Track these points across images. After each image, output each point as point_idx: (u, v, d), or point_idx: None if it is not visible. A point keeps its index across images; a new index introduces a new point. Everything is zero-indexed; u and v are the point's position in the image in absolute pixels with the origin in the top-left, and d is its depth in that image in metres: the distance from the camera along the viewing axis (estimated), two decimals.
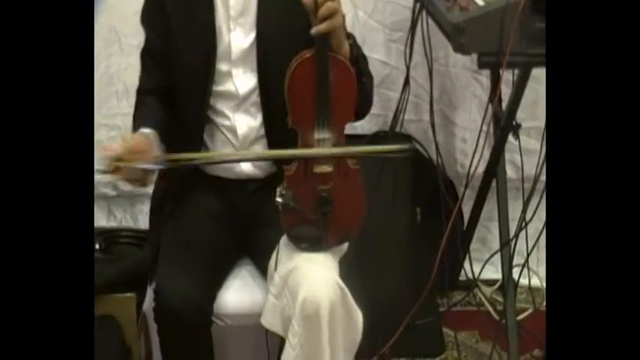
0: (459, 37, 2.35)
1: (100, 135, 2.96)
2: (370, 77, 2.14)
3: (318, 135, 1.94)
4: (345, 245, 2.10)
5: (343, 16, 1.94)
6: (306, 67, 1.91)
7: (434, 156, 2.95)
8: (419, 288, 2.65)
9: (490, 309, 2.97)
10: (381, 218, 2.69)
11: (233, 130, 2.15)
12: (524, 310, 3.00)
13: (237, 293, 2.13)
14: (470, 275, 2.94)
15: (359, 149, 2.02)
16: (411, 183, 2.90)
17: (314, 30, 1.84)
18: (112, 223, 3.17)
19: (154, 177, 2.03)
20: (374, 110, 2.88)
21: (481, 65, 2.42)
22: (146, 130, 2.02)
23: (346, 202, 2.00)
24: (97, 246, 2.97)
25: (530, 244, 2.84)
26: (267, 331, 1.99)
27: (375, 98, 2.85)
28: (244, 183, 2.20)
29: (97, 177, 2.77)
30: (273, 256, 2.03)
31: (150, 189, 2.29)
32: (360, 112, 2.11)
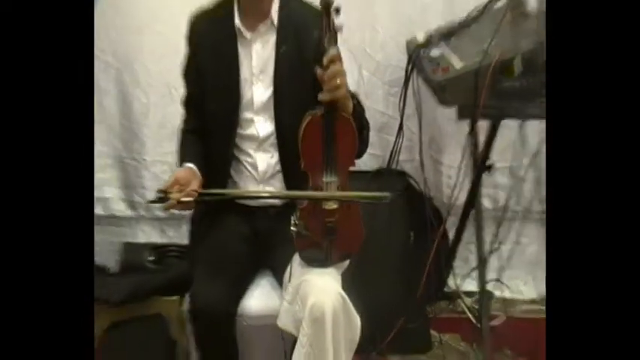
0: (442, 93, 2.40)
1: (155, 169, 3.02)
2: (368, 129, 2.14)
3: (325, 179, 1.93)
4: (347, 262, 2.09)
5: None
6: (316, 124, 1.91)
7: (424, 189, 2.95)
8: (411, 297, 2.68)
9: (470, 316, 2.94)
10: (379, 240, 2.68)
11: (255, 166, 2.18)
12: (497, 317, 2.98)
13: (258, 299, 2.12)
14: (454, 287, 2.96)
15: (349, 194, 1.96)
16: (405, 211, 2.89)
17: (320, 97, 1.85)
18: (164, 240, 3.17)
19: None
20: (375, 151, 2.96)
21: (460, 116, 2.45)
22: (190, 165, 2.06)
23: (348, 230, 2.00)
24: (150, 258, 2.99)
25: (503, 263, 2.86)
26: (282, 330, 1.97)
27: (376, 141, 2.93)
28: (266, 209, 2.21)
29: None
30: (287, 270, 2.03)
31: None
32: (359, 155, 2.10)
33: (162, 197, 1.90)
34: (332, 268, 2.00)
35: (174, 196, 1.89)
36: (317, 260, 1.98)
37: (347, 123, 1.93)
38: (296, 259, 2.01)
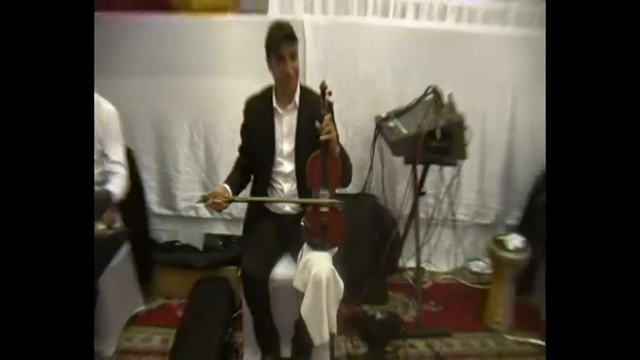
0: (395, 148, 2.39)
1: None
2: (350, 166, 2.13)
3: (322, 192, 1.96)
4: (336, 248, 2.06)
5: (337, 135, 1.97)
6: (317, 159, 1.93)
7: (385, 205, 2.91)
8: (376, 271, 2.65)
9: (411, 282, 2.89)
10: (358, 236, 2.62)
11: (282, 190, 2.15)
12: (427, 282, 2.94)
13: (282, 269, 2.09)
14: (402, 265, 2.93)
15: (327, 201, 1.98)
16: (374, 219, 2.82)
17: (320, 138, 1.88)
18: (229, 232, 3.09)
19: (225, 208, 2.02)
20: (356, 182, 2.90)
21: (406, 162, 2.44)
22: (225, 185, 2.05)
23: (335, 226, 1.99)
24: (220, 242, 2.97)
25: (431, 251, 2.82)
26: (296, 289, 1.96)
27: (357, 176, 2.87)
28: (287, 216, 2.18)
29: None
30: (300, 252, 2.02)
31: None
32: (345, 184, 2.10)
33: (204, 200, 1.94)
34: (326, 252, 1.99)
35: (211, 200, 1.93)
36: (317, 246, 1.97)
37: (335, 160, 1.95)
38: (305, 245, 2.00)
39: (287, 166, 2.13)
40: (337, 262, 2.00)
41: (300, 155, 2.09)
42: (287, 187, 2.15)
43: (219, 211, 1.99)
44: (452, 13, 2.96)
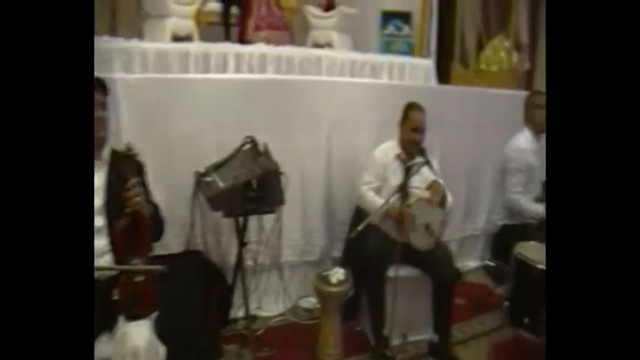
0: (212, 203, 2.31)
1: None
2: (161, 222, 2.02)
3: (134, 262, 1.78)
4: (155, 313, 1.83)
5: (148, 196, 1.85)
6: (124, 229, 1.78)
7: (211, 259, 2.68)
8: (207, 325, 2.37)
9: (244, 331, 2.70)
10: (183, 295, 2.25)
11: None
12: (260, 329, 2.81)
13: (99, 348, 1.74)
14: (233, 315, 2.77)
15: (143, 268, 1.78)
16: (199, 273, 2.45)
17: (126, 211, 1.76)
18: None
19: None
20: (180, 240, 2.65)
21: (225, 215, 2.36)
22: None
23: (150, 294, 1.79)
24: None
25: (261, 297, 2.74)
26: None
27: (180, 234, 2.64)
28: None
29: None
30: (115, 326, 1.78)
31: None
32: (156, 240, 1.98)
33: None
34: (143, 320, 1.78)
35: None
36: (133, 317, 1.76)
37: (143, 226, 1.80)
38: (120, 318, 1.78)
39: (98, 221, 1.90)
40: (163, 325, 1.80)
41: (110, 210, 1.90)
42: (99, 243, 1.89)
43: None
44: (271, 64, 3.03)
